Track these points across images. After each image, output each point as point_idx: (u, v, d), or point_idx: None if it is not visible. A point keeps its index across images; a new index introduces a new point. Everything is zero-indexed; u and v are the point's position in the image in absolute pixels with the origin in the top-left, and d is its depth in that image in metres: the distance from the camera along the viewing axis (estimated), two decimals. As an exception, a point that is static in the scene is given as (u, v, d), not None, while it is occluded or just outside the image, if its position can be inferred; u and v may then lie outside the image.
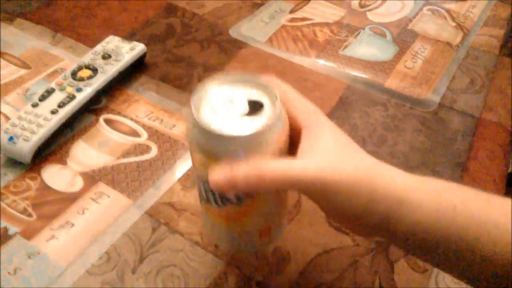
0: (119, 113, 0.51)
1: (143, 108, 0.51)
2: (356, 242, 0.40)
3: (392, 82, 0.56)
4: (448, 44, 0.62)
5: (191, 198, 0.43)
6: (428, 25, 0.66)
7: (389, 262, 0.39)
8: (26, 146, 0.44)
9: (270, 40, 0.62)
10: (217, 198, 0.29)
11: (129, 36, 0.61)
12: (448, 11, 0.68)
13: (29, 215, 0.41)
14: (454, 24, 0.66)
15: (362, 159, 0.27)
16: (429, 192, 0.26)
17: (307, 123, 0.27)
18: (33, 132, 0.45)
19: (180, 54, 0.59)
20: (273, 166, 0.25)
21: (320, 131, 0.27)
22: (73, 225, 0.40)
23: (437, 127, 0.51)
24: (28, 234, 0.40)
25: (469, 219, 0.25)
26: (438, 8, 0.69)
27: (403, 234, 0.26)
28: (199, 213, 0.41)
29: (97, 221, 0.41)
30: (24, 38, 0.60)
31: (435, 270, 0.38)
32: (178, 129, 0.49)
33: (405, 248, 0.30)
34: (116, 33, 0.59)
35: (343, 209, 0.26)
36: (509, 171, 0.48)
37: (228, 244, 0.37)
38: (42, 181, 0.44)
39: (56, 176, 0.44)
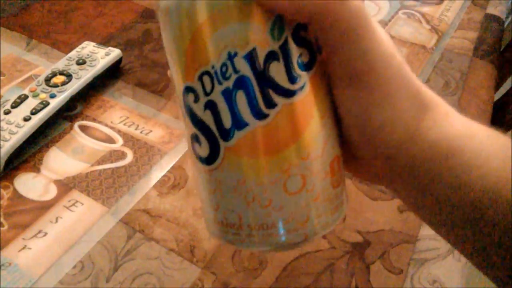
0: (94, 119, 0.50)
1: (118, 113, 0.51)
2: (332, 245, 0.40)
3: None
4: (423, 47, 0.63)
5: (167, 204, 0.42)
6: (404, 28, 0.66)
7: (365, 264, 0.39)
8: (-3, 154, 0.43)
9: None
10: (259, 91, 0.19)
11: (105, 42, 0.60)
12: (423, 14, 0.69)
13: (1, 225, 0.40)
14: (429, 27, 0.67)
15: None
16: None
17: None
18: (5, 140, 0.44)
19: (156, 59, 0.58)
20: None
21: None
22: (46, 234, 0.40)
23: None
24: None
25: None
26: (413, 12, 0.70)
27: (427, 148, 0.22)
28: (175, 220, 0.41)
29: (70, 230, 0.40)
30: (-3, 45, 0.59)
31: (411, 271, 0.39)
32: (154, 135, 0.49)
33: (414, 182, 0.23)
34: (91, 39, 0.59)
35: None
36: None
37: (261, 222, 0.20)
38: (15, 189, 0.43)
39: (29, 185, 0.44)
